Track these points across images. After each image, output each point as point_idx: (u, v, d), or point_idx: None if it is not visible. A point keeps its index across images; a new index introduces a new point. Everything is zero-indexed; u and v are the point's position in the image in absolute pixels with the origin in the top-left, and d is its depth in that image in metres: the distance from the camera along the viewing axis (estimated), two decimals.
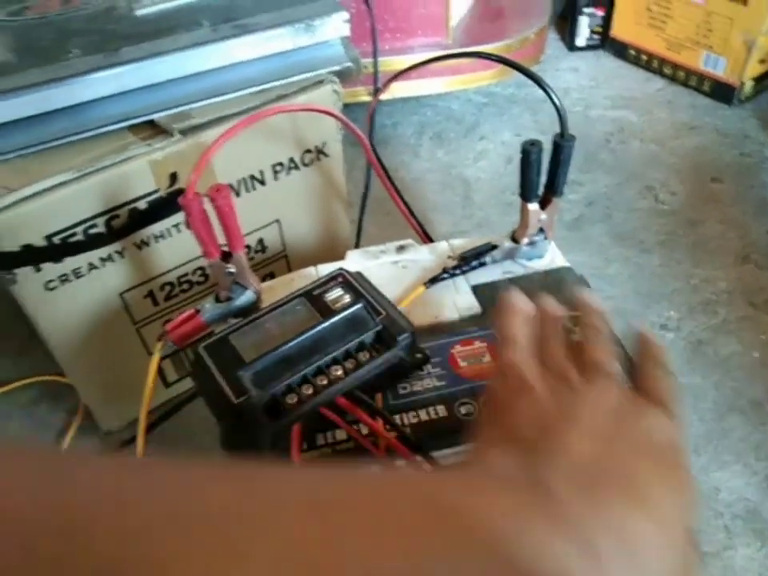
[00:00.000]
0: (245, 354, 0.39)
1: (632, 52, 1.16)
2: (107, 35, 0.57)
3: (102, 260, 0.55)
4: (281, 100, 0.56)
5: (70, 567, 0.15)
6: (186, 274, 0.61)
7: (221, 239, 0.45)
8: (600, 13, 1.16)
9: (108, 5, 0.61)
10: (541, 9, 1.06)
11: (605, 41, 1.19)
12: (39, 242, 0.51)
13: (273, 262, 0.66)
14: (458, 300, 0.48)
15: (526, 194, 0.46)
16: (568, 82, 1.14)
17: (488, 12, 1.03)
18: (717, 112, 1.05)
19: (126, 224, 0.54)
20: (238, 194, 0.59)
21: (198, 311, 0.45)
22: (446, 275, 0.48)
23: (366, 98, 0.92)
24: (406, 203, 0.60)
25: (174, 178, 0.55)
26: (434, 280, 0.48)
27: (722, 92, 1.06)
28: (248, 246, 0.63)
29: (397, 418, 0.40)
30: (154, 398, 0.70)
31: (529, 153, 0.45)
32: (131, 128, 0.54)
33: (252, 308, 0.46)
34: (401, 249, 0.52)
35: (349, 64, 0.60)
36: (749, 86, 1.04)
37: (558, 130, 0.44)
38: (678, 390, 0.28)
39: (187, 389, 0.67)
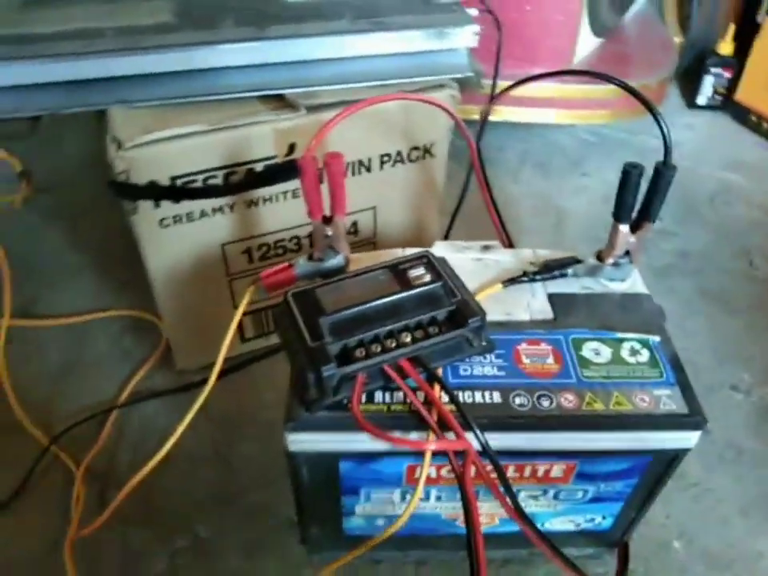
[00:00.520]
0: (326, 305, 0.43)
1: (753, 118, 1.14)
2: (258, 14, 0.63)
3: (214, 210, 0.60)
4: None
5: None
6: (282, 240, 0.65)
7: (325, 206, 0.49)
8: (727, 74, 1.15)
9: None
10: (667, 60, 1.07)
11: (727, 103, 1.17)
12: (164, 181, 0.56)
13: (362, 246, 0.70)
14: (532, 303, 0.49)
15: (620, 214, 0.48)
16: (681, 137, 1.13)
17: (613, 54, 1.04)
18: None
19: (241, 182, 0.59)
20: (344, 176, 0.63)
21: (291, 265, 0.49)
22: (525, 278, 0.50)
23: (477, 117, 0.95)
24: (497, 210, 0.63)
25: (292, 148, 0.59)
26: (512, 280, 0.50)
27: None
28: None
29: None
30: (230, 348, 0.75)
31: (629, 174, 0.46)
32: (262, 99, 0.59)
33: (340, 272, 0.49)
34: (486, 248, 0.54)
35: (471, 74, 0.64)
36: None
37: None
38: None
39: (261, 347, 0.72)
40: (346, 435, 0.42)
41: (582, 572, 0.42)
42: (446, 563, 0.57)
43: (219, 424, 0.66)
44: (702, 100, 1.19)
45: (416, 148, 0.66)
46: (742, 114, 1.15)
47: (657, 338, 0.46)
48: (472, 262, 0.53)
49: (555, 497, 0.48)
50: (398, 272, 0.46)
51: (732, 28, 1.14)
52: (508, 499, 0.41)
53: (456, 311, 0.43)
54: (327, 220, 0.48)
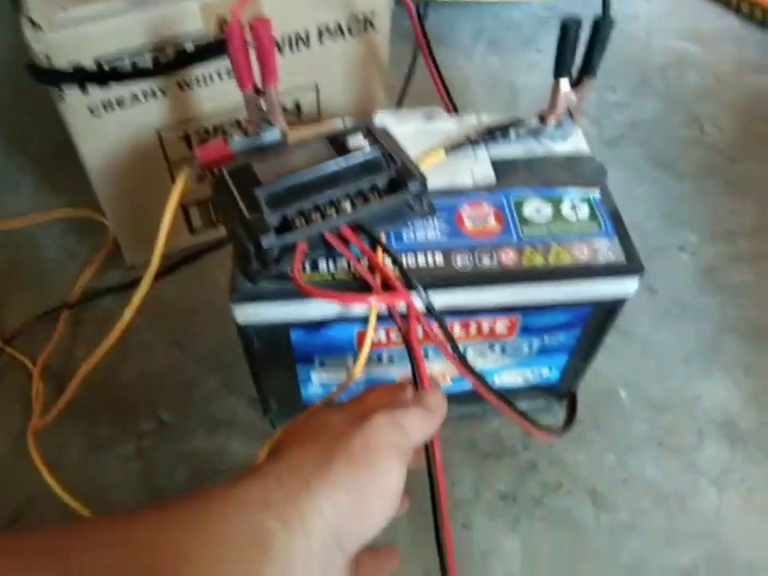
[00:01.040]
0: (263, 177, 0.42)
1: None
2: None
3: (145, 94, 0.57)
4: None
5: None
6: (221, 124, 0.63)
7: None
8: None
9: None
10: None
11: None
12: (89, 64, 0.53)
13: None
14: (475, 169, 0.49)
15: (560, 69, 0.47)
16: (637, 8, 1.09)
17: None
18: None
19: (171, 61, 0.56)
20: (281, 51, 0.60)
21: (226, 141, 0.47)
22: (467, 143, 0.49)
23: None
24: (440, 74, 0.61)
25: (222, 25, 0.56)
26: (454, 147, 0.49)
27: None
28: (284, 109, 0.65)
29: None
30: (178, 242, 0.74)
31: (568, 27, 0.45)
32: None
33: (278, 146, 0.48)
34: (429, 115, 0.53)
35: None
36: None
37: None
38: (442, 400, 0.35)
39: (214, 239, 0.71)
40: (293, 303, 0.42)
41: (532, 420, 0.44)
42: None
43: (175, 313, 0.66)
44: None
45: (356, 19, 0.62)
46: None
47: (597, 194, 0.47)
48: (415, 131, 0.52)
49: (502, 351, 0.50)
50: (337, 142, 0.45)
51: None
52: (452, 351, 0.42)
53: (396, 177, 0.42)
54: (260, 91, 0.46)
